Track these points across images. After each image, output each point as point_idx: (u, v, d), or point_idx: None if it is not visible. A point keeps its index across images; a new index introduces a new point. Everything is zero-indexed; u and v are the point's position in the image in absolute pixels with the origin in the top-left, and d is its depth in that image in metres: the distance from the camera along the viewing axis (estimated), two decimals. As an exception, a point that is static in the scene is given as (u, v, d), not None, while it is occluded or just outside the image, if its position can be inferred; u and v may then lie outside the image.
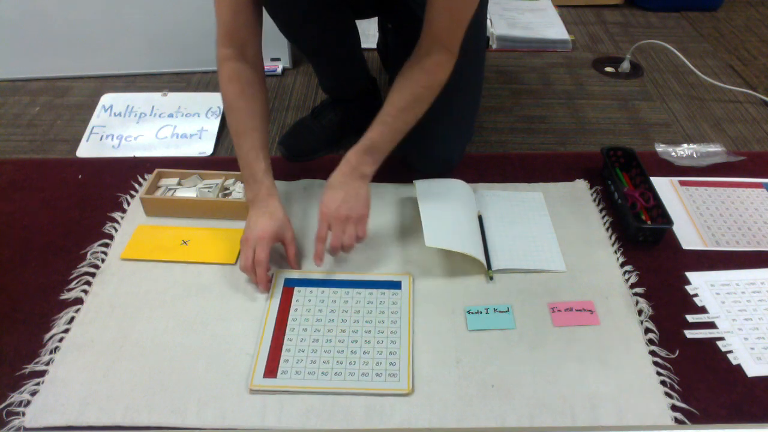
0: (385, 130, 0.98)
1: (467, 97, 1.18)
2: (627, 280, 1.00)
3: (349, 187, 0.98)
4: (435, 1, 0.91)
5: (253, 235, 0.95)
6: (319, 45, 1.18)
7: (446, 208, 1.07)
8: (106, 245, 1.06)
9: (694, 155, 1.30)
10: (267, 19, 1.12)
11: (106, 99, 1.47)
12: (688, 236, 1.09)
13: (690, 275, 1.02)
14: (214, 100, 1.46)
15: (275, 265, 1.02)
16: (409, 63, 0.98)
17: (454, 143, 1.20)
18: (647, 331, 0.92)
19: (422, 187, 1.11)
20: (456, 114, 1.16)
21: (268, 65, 1.64)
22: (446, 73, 0.97)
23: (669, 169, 1.27)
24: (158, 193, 1.14)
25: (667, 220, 1.05)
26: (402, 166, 1.21)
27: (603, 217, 1.13)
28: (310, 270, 1.01)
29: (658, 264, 1.03)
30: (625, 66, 1.66)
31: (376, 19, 1.60)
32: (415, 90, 0.97)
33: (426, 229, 0.99)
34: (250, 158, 0.97)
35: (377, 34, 1.65)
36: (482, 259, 1.00)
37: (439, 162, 1.20)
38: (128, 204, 1.16)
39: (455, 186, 1.14)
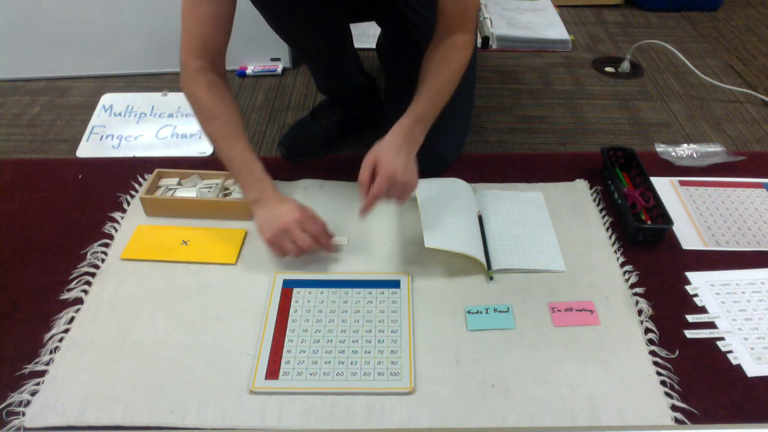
0: (430, 101, 0.99)
1: (459, 91, 1.18)
2: (627, 280, 1.00)
3: (408, 154, 0.97)
4: None
5: (283, 223, 0.93)
6: (312, 46, 1.18)
7: (446, 208, 1.07)
8: (106, 245, 1.06)
9: (694, 155, 1.30)
10: (263, 21, 1.13)
11: (106, 99, 1.47)
12: (688, 236, 1.09)
13: (690, 275, 1.02)
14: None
15: (274, 267, 1.02)
16: (434, 48, 1.00)
17: (449, 138, 1.20)
18: (647, 331, 0.92)
19: (422, 186, 1.10)
20: (449, 108, 1.15)
21: (268, 65, 1.64)
22: (470, 51, 1.01)
23: (669, 169, 1.27)
24: (158, 193, 1.14)
25: (667, 220, 1.05)
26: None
27: (603, 217, 1.13)
28: (309, 270, 1.01)
29: (658, 264, 1.03)
30: (625, 66, 1.66)
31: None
32: (452, 67, 0.99)
33: (426, 230, 0.99)
34: (247, 159, 0.97)
35: (377, 33, 1.65)
36: (482, 259, 1.00)
37: (434, 158, 1.20)
38: (128, 204, 1.16)
39: (455, 186, 1.14)
